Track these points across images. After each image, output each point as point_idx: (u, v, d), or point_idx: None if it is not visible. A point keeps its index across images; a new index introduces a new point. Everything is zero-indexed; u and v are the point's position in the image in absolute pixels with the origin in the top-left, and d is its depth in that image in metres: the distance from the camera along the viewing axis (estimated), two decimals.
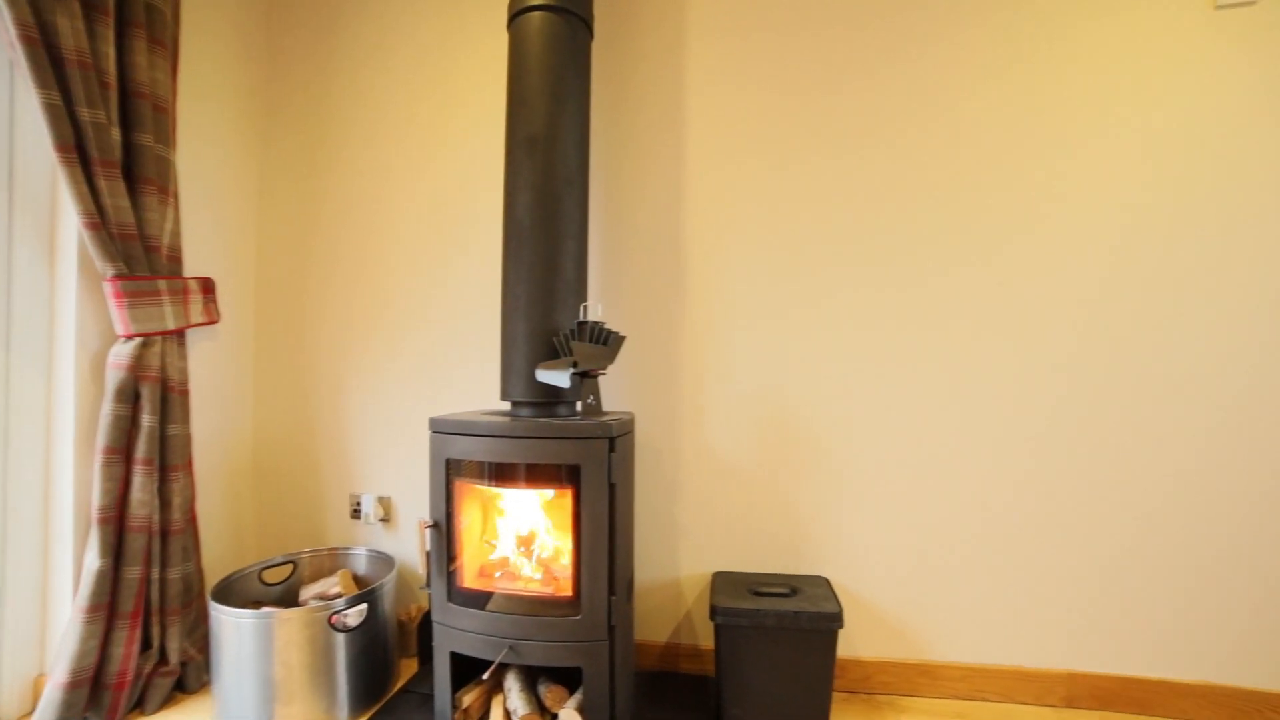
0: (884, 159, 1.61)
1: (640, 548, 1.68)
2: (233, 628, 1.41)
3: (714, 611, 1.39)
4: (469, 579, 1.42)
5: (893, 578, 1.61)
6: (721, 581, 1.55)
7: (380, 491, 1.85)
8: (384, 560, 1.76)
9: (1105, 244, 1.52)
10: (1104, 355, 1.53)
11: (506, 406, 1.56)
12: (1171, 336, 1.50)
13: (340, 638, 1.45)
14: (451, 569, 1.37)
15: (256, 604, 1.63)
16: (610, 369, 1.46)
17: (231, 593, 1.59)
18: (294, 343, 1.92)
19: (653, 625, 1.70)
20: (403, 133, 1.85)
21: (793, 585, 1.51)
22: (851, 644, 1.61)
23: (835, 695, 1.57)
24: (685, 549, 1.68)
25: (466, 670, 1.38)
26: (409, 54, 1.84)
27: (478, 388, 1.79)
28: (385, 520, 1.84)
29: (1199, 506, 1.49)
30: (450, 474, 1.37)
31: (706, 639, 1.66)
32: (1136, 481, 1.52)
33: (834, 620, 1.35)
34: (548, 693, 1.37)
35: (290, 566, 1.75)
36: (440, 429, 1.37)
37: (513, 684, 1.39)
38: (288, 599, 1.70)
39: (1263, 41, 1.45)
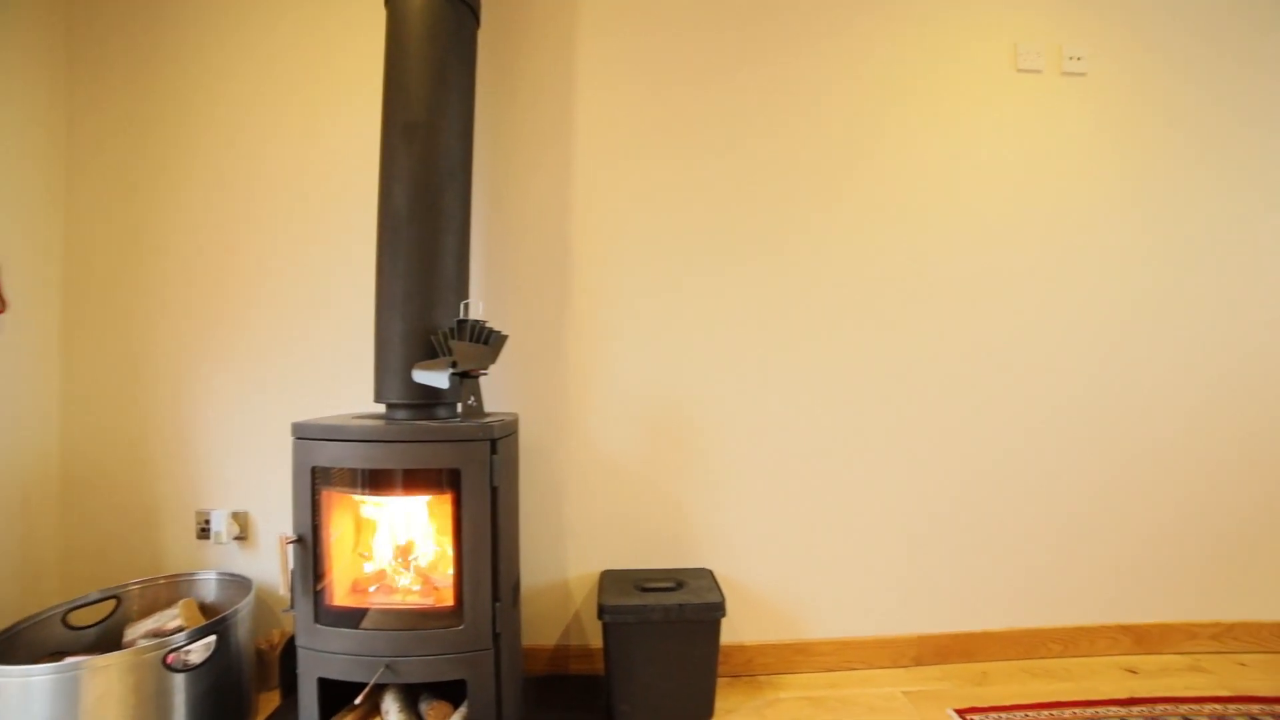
0: (762, 153, 1.72)
1: (526, 550, 1.64)
2: (17, 690, 1.13)
3: (602, 610, 1.40)
4: (340, 596, 1.31)
5: (771, 565, 1.71)
6: (609, 580, 1.57)
7: (235, 506, 1.66)
8: (239, 584, 1.57)
9: (951, 243, 1.75)
10: (951, 352, 1.75)
11: (381, 409, 1.46)
12: (1006, 334, 1.76)
13: (179, 679, 1.26)
14: (319, 587, 1.26)
15: (58, 655, 1.34)
16: (493, 369, 1.42)
17: (19, 646, 1.30)
18: (120, 338, 1.65)
19: (541, 629, 1.67)
20: (259, 106, 1.67)
21: (678, 579, 1.56)
22: (735, 631, 1.69)
23: (720, 681, 1.64)
24: (573, 549, 1.68)
25: (338, 696, 1.27)
26: (279, 20, 1.67)
27: (349, 390, 1.65)
28: (241, 538, 1.65)
29: (998, 494, 1.78)
30: (317, 483, 1.26)
31: (596, 638, 1.67)
32: (961, 472, 1.76)
33: (717, 610, 1.42)
34: (430, 710, 1.31)
35: (111, 603, 1.49)
36: (305, 434, 1.25)
37: (391, 705, 1.31)
38: (106, 642, 1.43)
39: (1050, 93, 1.80)
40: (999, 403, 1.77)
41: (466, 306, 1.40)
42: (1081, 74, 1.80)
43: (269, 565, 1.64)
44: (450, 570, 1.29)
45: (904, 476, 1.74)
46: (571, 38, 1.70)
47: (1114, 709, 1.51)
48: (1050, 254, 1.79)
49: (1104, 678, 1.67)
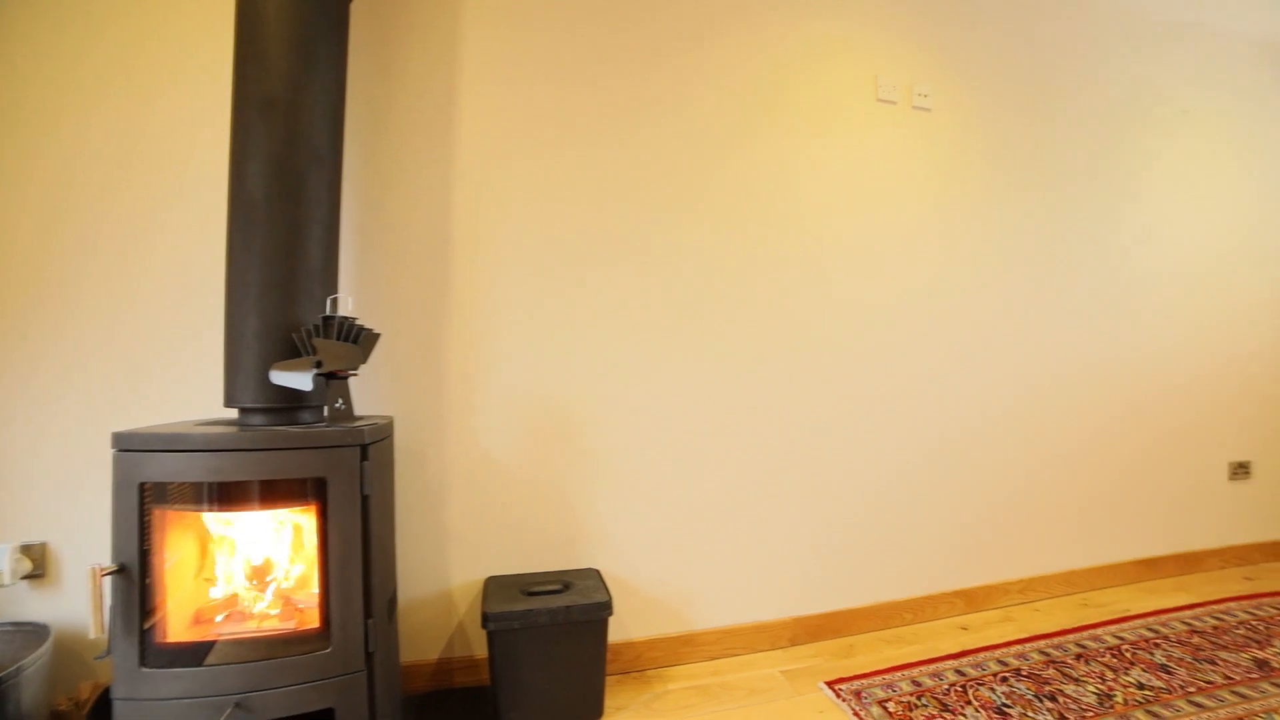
0: (641, 153, 1.76)
1: (405, 561, 1.55)
2: None
3: (486, 618, 1.35)
4: (178, 631, 1.15)
5: (658, 561, 1.76)
6: (494, 586, 1.52)
7: (27, 537, 1.38)
8: (29, 634, 1.30)
9: (816, 247, 1.92)
10: (815, 352, 1.91)
11: (231, 415, 1.30)
12: (863, 335, 1.96)
13: None
14: (149, 624, 1.08)
15: None
16: (365, 369, 1.33)
17: None
18: None
19: (422, 643, 1.58)
20: (79, 71, 1.42)
21: (565, 581, 1.55)
22: (623, 628, 1.71)
23: (610, 679, 1.66)
24: (456, 556, 1.60)
25: None
26: None
27: (189, 395, 1.45)
28: (37, 576, 1.38)
29: (857, 487, 1.98)
30: (147, 502, 1.09)
31: (482, 648, 1.61)
32: (826, 467, 1.93)
33: (604, 609, 1.43)
34: None
35: None
36: (130, 446, 1.08)
37: None
38: None
39: (902, 123, 2.05)
40: (858, 401, 1.96)
41: (335, 302, 1.29)
42: (928, 109, 2.07)
43: (78, 605, 1.38)
44: (316, 589, 1.17)
45: (777, 471, 1.87)
46: (455, 21, 1.63)
47: (950, 662, 1.74)
48: (903, 263, 2.03)
49: (944, 637, 1.92)
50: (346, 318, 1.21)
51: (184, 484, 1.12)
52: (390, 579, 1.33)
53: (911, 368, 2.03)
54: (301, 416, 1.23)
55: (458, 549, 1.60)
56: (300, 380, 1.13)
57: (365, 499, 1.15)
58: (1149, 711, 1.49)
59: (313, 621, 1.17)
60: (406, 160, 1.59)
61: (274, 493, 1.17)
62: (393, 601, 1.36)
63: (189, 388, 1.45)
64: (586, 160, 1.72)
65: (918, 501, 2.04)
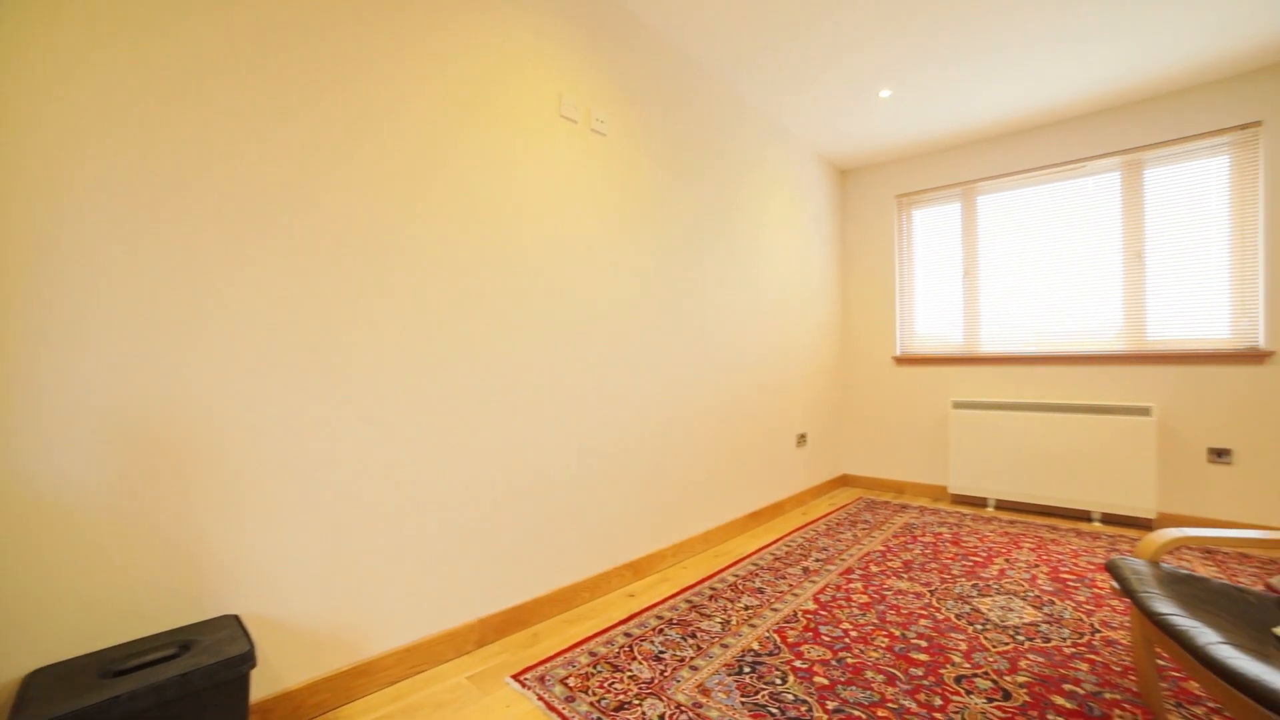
0: (300, 141, 1.52)
1: None
2: None
3: None
4: None
5: (319, 589, 1.51)
6: (45, 681, 1.06)
7: None
8: None
9: (499, 250, 1.94)
10: (486, 351, 1.93)
11: None
12: (536, 337, 2.05)
13: None
14: None
15: None
16: None
17: None
18: None
19: None
20: None
21: (185, 640, 1.19)
22: (277, 678, 1.42)
23: None
24: None
25: None
26: None
27: None
28: None
29: (526, 480, 2.10)
30: None
31: None
32: (497, 464, 1.99)
33: (242, 663, 1.15)
34: None
35: None
36: None
37: None
38: None
39: (582, 141, 2.25)
40: (532, 401, 2.07)
41: None
42: (604, 134, 2.31)
43: None
44: None
45: (448, 473, 1.81)
46: None
47: (620, 628, 1.98)
48: (578, 273, 2.22)
49: (616, 607, 2.17)
50: None
51: None
52: None
53: (586, 373, 2.25)
54: None
55: None
56: None
57: None
58: (750, 624, 1.99)
59: None
60: None
61: None
62: None
63: None
64: (240, 136, 1.36)
65: (590, 491, 2.26)
